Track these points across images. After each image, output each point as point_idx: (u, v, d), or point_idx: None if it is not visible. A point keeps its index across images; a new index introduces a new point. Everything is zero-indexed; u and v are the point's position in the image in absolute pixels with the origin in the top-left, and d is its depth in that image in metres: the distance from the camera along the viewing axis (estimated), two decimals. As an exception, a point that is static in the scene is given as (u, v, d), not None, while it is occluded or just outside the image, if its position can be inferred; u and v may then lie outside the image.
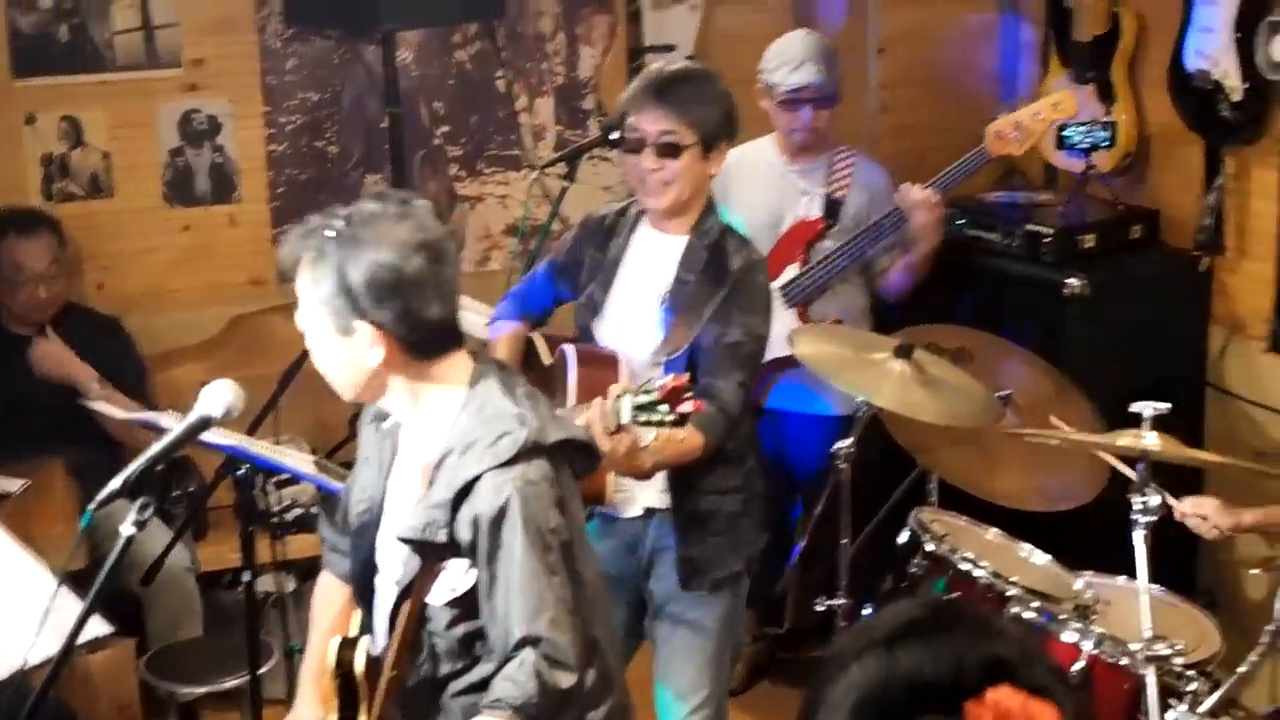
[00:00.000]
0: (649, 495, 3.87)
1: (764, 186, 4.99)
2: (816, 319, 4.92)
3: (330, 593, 3.32)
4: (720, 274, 3.84)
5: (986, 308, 5.06)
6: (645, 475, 3.66)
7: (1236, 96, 4.86)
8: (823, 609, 4.26)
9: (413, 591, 2.90)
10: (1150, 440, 3.46)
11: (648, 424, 3.32)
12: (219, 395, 3.05)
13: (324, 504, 3.43)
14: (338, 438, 5.41)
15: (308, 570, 5.24)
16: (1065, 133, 5.22)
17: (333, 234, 2.84)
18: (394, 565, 3.00)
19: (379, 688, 2.94)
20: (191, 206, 5.52)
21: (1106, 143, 5.24)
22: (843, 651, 1.58)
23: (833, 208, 4.96)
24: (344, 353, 2.90)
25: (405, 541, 2.91)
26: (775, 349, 4.70)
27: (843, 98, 5.02)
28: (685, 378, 3.28)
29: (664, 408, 3.24)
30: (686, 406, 3.20)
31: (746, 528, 3.97)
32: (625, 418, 3.31)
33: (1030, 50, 5.87)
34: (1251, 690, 4.60)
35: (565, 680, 2.82)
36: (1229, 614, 5.00)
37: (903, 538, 3.96)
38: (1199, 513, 3.97)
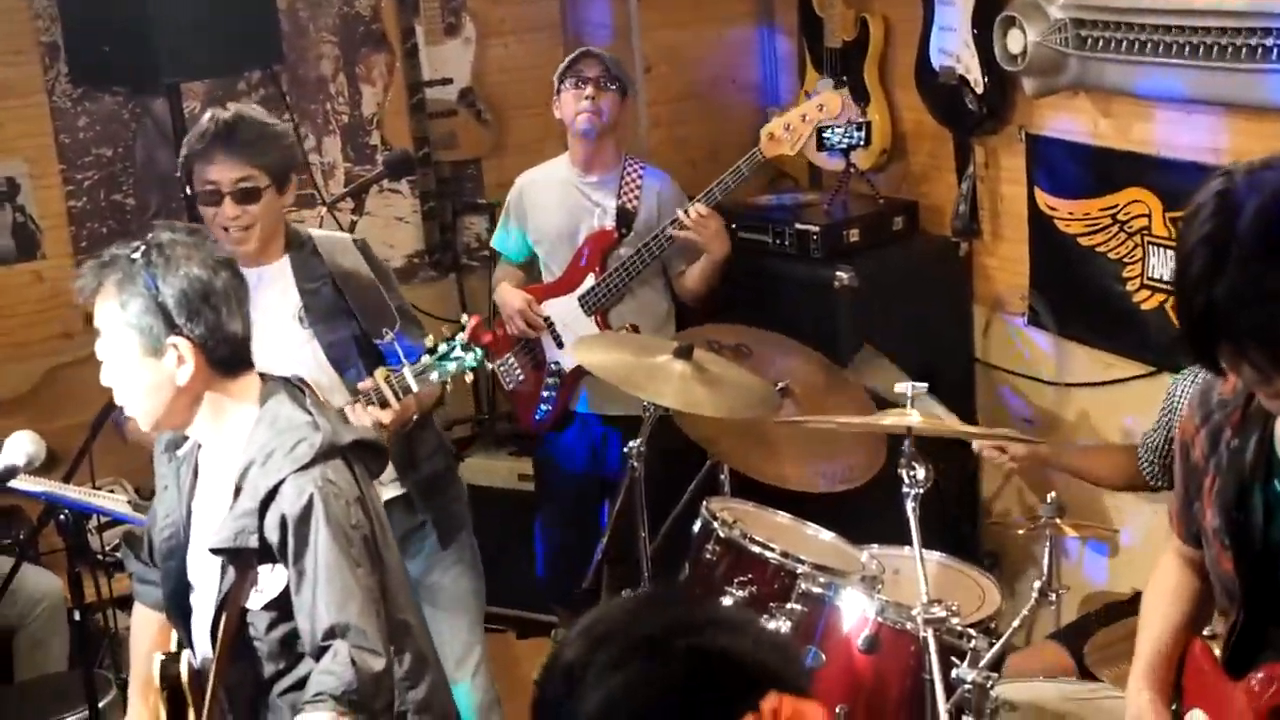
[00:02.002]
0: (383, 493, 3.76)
1: (558, 203, 5.02)
2: (616, 326, 4.95)
3: (145, 621, 3.29)
4: (349, 268, 3.95)
5: (764, 305, 5.08)
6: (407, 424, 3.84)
7: (979, 89, 4.95)
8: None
9: (230, 601, 2.89)
10: (914, 417, 3.50)
11: (450, 374, 3.59)
12: (20, 445, 3.03)
13: (128, 540, 3.37)
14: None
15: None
16: (824, 135, 5.28)
17: (139, 256, 2.84)
18: (209, 580, 2.97)
19: (206, 695, 2.92)
20: (-2, 266, 5.40)
21: (863, 142, 5.31)
22: (581, 668, 1.59)
23: (625, 217, 4.98)
24: (152, 375, 2.88)
25: (218, 552, 2.89)
26: (577, 358, 4.76)
27: (633, 94, 5.12)
28: (479, 318, 3.42)
29: (462, 351, 3.55)
30: (487, 338, 3.30)
31: (459, 482, 4.27)
32: (413, 386, 3.63)
33: (787, 60, 5.94)
34: (1036, 635, 4.72)
35: (376, 664, 2.83)
36: (1010, 574, 5.12)
37: (696, 527, 3.96)
38: (997, 445, 4.02)
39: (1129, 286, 4.57)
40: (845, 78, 5.48)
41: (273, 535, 2.85)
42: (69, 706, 4.46)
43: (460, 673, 4.05)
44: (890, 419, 3.58)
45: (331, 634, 2.83)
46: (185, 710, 3.04)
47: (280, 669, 2.96)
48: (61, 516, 3.59)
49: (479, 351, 3.59)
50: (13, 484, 3.12)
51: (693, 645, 1.57)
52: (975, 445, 4.04)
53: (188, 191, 3.94)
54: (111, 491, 4.53)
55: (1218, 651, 2.46)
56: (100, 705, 3.93)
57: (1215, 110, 4.21)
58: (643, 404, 4.20)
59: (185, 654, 3.07)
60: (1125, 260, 4.58)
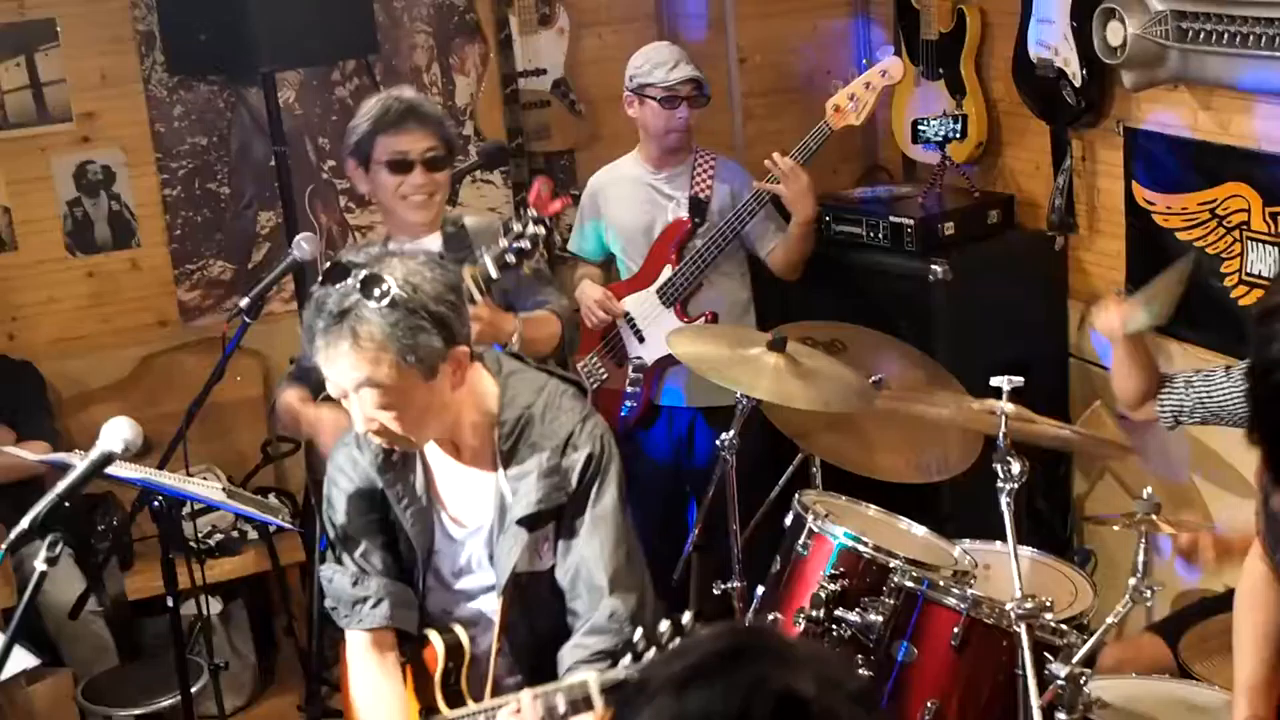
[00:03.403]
0: None
1: (631, 200, 5.10)
2: (694, 316, 5.02)
3: (366, 648, 3.19)
4: (485, 241, 4.02)
5: (858, 300, 5.11)
6: (508, 336, 3.92)
7: (1077, 82, 4.97)
8: (719, 593, 4.35)
9: (523, 565, 3.01)
10: (1007, 409, 3.54)
11: (525, 253, 3.67)
12: (118, 432, 3.07)
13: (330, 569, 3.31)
14: (250, 465, 5.48)
15: (230, 592, 5.31)
16: (920, 127, 5.33)
17: (384, 295, 2.79)
18: (478, 557, 3.10)
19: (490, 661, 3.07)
20: (93, 254, 5.53)
21: (958, 134, 5.34)
22: (645, 683, 1.55)
23: (698, 207, 5.04)
24: (435, 395, 2.90)
25: (526, 520, 2.99)
26: (660, 349, 4.82)
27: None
28: (544, 179, 3.61)
29: (531, 222, 3.61)
30: (554, 206, 3.38)
31: None
32: (493, 273, 3.69)
33: (882, 52, 5.97)
34: (1127, 634, 4.73)
35: (635, 606, 2.99)
36: (1103, 572, 5.13)
37: (788, 520, 4.01)
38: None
39: (1227, 282, 4.59)
40: (941, 70, 5.51)
41: (575, 482, 2.99)
42: (160, 692, 4.63)
43: None
44: (984, 414, 3.61)
45: (606, 579, 2.97)
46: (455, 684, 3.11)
47: (559, 621, 3.05)
48: (156, 503, 3.67)
49: (546, 221, 3.70)
50: (110, 470, 3.19)
51: (759, 678, 1.50)
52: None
53: (361, 169, 4.15)
54: (205, 479, 4.65)
55: None
56: (192, 691, 4.03)
57: (1316, 104, 4.23)
58: (733, 395, 4.26)
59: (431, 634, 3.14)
60: (1223, 255, 4.59)
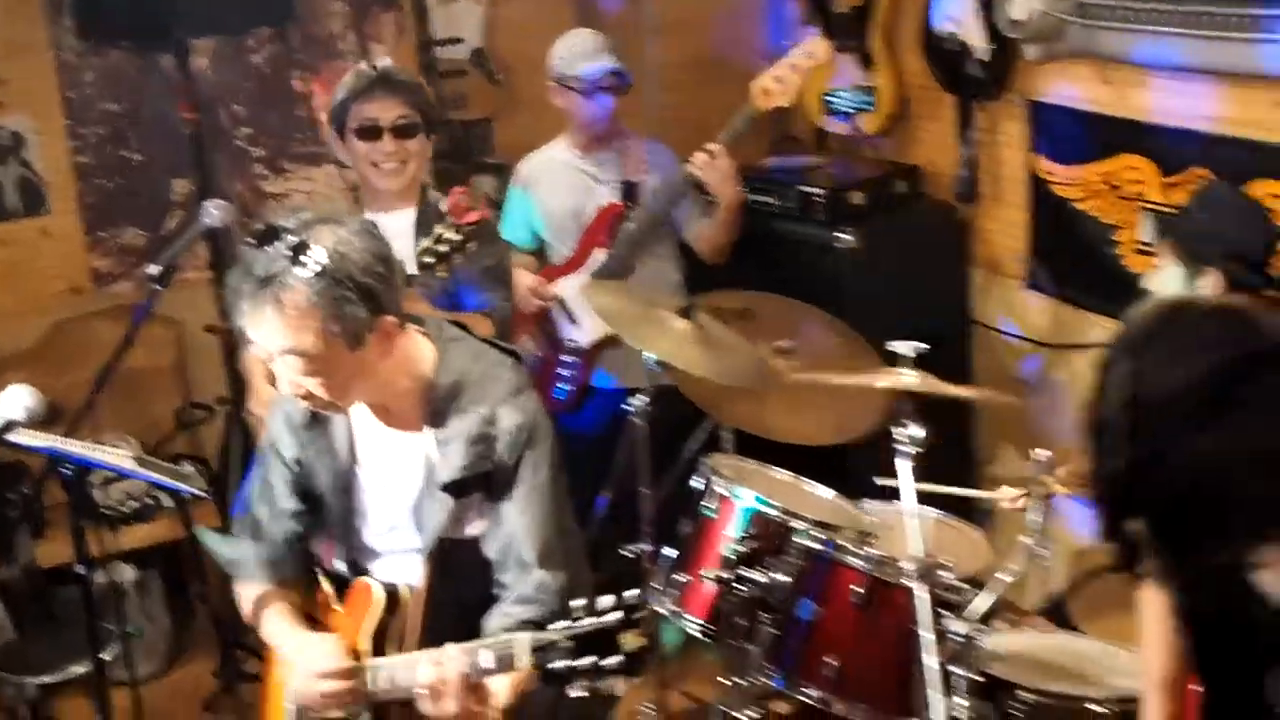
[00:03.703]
0: None
1: (562, 185, 5.12)
2: (629, 300, 5.07)
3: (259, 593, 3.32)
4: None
5: (769, 268, 5.18)
6: None
7: (982, 55, 5.08)
8: (629, 555, 4.43)
9: (447, 532, 3.06)
10: (909, 377, 3.64)
11: (443, 256, 3.73)
12: (18, 399, 3.08)
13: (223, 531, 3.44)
14: (165, 432, 5.49)
15: (145, 559, 5.33)
16: (830, 98, 5.43)
17: (301, 262, 2.81)
18: (403, 521, 3.13)
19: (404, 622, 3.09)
20: (3, 221, 5.48)
21: (869, 106, 5.46)
22: None
23: (630, 191, 5.09)
24: (359, 363, 2.93)
25: (451, 486, 3.03)
26: (595, 332, 4.88)
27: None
28: (462, 190, 3.64)
29: (450, 230, 3.68)
30: (471, 216, 3.45)
31: None
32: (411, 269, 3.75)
33: (794, 24, 6.05)
34: (1026, 594, 4.86)
35: (563, 580, 3.03)
36: (1005, 530, 5.25)
37: (696, 483, 4.09)
38: None
39: (1120, 250, 4.73)
40: (852, 42, 5.59)
41: (504, 454, 3.02)
42: (72, 660, 4.64)
43: None
44: (886, 379, 3.70)
45: (535, 554, 3.01)
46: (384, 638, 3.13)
47: (486, 592, 3.08)
48: (64, 471, 3.68)
49: (464, 230, 3.76)
50: (13, 438, 3.16)
51: None
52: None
53: (340, 139, 4.26)
54: (116, 447, 4.65)
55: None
56: (105, 658, 4.05)
57: (1209, 78, 4.35)
58: (653, 373, 4.34)
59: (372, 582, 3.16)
60: (1119, 225, 4.73)
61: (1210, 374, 1.93)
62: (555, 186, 5.14)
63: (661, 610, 4.11)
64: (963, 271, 5.48)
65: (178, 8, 4.88)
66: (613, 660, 2.59)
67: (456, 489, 3.03)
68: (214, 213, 4.12)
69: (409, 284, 3.78)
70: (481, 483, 3.05)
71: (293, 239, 2.81)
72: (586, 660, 2.59)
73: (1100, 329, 4.89)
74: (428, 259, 3.77)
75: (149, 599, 5.39)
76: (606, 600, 2.65)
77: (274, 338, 2.85)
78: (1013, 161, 5.19)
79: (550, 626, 2.67)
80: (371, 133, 4.17)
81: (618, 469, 4.60)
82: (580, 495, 5.09)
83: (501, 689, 2.85)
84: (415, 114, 4.18)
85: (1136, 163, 4.63)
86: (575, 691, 2.62)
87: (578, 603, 2.67)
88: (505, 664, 2.74)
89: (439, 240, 3.76)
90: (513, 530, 3.04)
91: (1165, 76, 4.49)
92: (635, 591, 2.66)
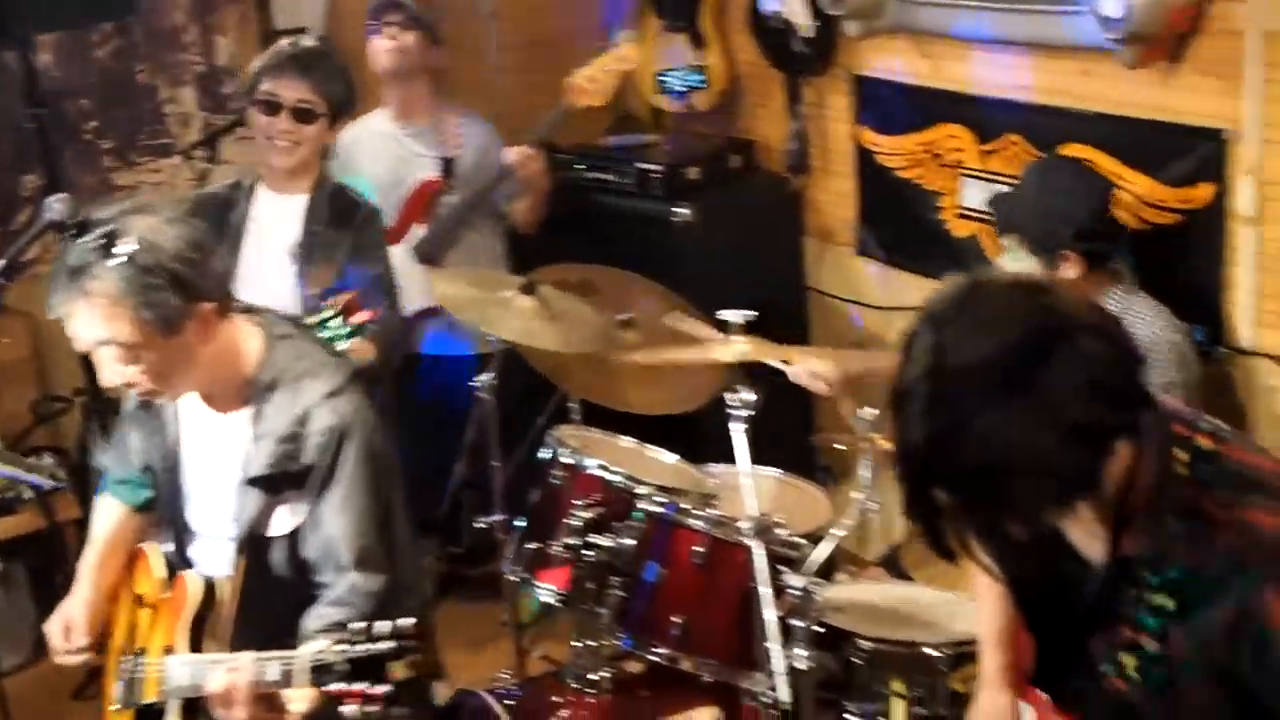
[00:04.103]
0: None
1: (382, 156, 5.06)
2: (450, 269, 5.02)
3: (113, 515, 3.31)
4: (346, 222, 4.03)
5: (610, 243, 5.16)
6: None
7: (807, 33, 5.09)
8: (483, 526, 4.40)
9: (255, 528, 2.99)
10: (739, 345, 3.63)
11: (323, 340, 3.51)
12: None
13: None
14: (22, 426, 5.36)
15: (10, 551, 5.20)
16: (664, 78, 5.42)
17: (114, 252, 2.77)
18: (221, 511, 3.06)
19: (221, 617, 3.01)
20: None
21: (701, 84, 5.46)
22: None
23: (448, 167, 5.03)
24: (180, 348, 2.87)
25: (256, 481, 2.96)
26: (419, 301, 4.83)
27: (443, 42, 5.11)
28: (355, 293, 3.43)
29: (338, 321, 3.41)
30: (360, 316, 3.37)
31: None
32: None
33: (628, 7, 6.03)
34: (870, 546, 4.91)
35: (382, 583, 2.97)
36: (846, 487, 5.29)
37: (545, 454, 4.07)
38: (810, 371, 4.04)
39: (944, 215, 4.76)
40: (683, 23, 5.58)
41: (312, 456, 2.94)
42: None
43: None
44: (719, 347, 3.70)
45: (352, 556, 2.94)
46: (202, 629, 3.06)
47: (296, 592, 3.01)
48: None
49: (348, 329, 3.62)
50: None
51: None
52: (791, 375, 4.10)
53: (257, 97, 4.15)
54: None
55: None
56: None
57: (1020, 49, 4.39)
58: (488, 340, 4.31)
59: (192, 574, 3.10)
60: (942, 191, 4.77)
61: (1008, 347, 1.92)
62: (375, 156, 5.07)
63: (514, 578, 4.09)
64: (797, 241, 5.50)
65: (18, 4, 4.74)
66: (380, 688, 2.57)
67: (264, 485, 2.96)
68: (56, 207, 3.99)
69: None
70: (292, 481, 2.97)
71: (103, 229, 2.75)
72: (358, 685, 2.58)
73: (927, 291, 4.89)
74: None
75: (14, 590, 5.27)
76: (384, 626, 2.63)
77: (88, 329, 2.79)
78: (840, 134, 5.21)
79: (324, 648, 2.64)
80: (271, 108, 4.09)
81: (468, 443, 4.55)
82: (421, 462, 5.14)
83: (299, 698, 2.75)
84: (319, 100, 4.10)
85: (955, 132, 4.67)
86: (349, 712, 2.60)
87: (356, 626, 2.64)
88: (288, 679, 2.68)
89: (322, 325, 3.62)
90: (330, 532, 2.96)
91: (980, 49, 4.53)
92: (410, 621, 2.64)
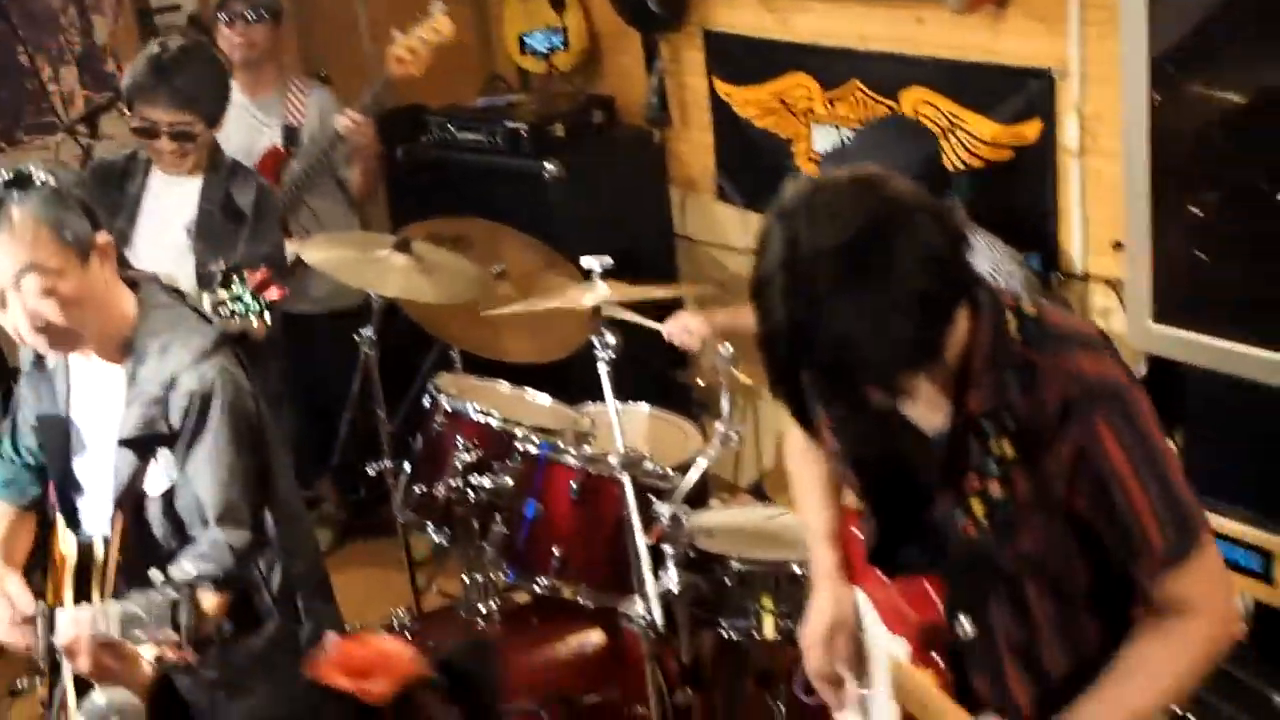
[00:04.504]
0: None
1: (234, 126, 4.94)
2: (297, 234, 4.95)
3: None
4: (241, 202, 3.98)
5: (482, 200, 5.14)
6: None
7: (651, -9, 5.12)
8: (373, 472, 4.44)
9: (131, 488, 2.95)
10: (602, 290, 3.67)
11: (234, 315, 3.43)
12: None
13: None
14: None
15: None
16: (526, 40, 5.43)
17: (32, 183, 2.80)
18: (103, 471, 3.01)
19: (106, 574, 2.96)
20: None
21: (562, 45, 5.47)
22: None
23: (291, 134, 5.03)
24: (91, 282, 2.86)
25: (127, 442, 2.94)
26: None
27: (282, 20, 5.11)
28: (266, 271, 3.41)
29: (249, 297, 3.40)
30: (272, 294, 3.37)
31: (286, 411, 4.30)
32: (207, 314, 3.40)
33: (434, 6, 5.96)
34: (742, 474, 4.99)
35: (246, 539, 2.94)
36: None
37: (426, 402, 4.10)
38: (680, 326, 4.12)
39: (797, 161, 4.83)
40: (543, -15, 5.59)
41: (176, 419, 2.91)
42: None
43: None
44: (582, 294, 3.73)
45: (215, 512, 2.92)
46: (89, 588, 3.01)
47: (174, 548, 2.98)
48: None
49: (260, 304, 3.59)
50: None
51: None
52: (665, 334, 4.15)
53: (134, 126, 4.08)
54: None
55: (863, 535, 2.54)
56: None
57: (859, 2, 4.45)
58: (356, 296, 4.33)
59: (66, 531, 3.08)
60: (793, 138, 4.83)
61: (854, 232, 2.00)
62: (228, 128, 4.97)
63: (404, 520, 4.13)
64: (662, 190, 5.54)
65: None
66: (173, 635, 2.64)
67: (135, 446, 2.96)
68: None
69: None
70: (162, 442, 2.96)
71: (6, 174, 2.80)
72: (162, 633, 2.64)
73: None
74: (221, 310, 3.62)
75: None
76: (184, 570, 2.73)
77: (9, 261, 2.78)
78: (696, 87, 5.25)
79: (128, 599, 2.70)
80: (149, 133, 4.02)
81: (353, 395, 4.57)
82: (322, 420, 5.15)
83: (146, 650, 2.77)
84: (195, 118, 4.03)
85: (803, 81, 4.72)
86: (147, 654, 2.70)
87: (156, 575, 2.71)
88: (121, 629, 2.70)
89: (236, 300, 3.58)
90: (195, 489, 2.96)
91: (821, 1, 4.57)
92: (207, 573, 2.76)
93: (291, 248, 4.37)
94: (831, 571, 2.54)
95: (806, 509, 2.65)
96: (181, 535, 2.99)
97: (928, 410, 2.24)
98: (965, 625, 2.27)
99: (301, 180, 4.96)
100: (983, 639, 2.28)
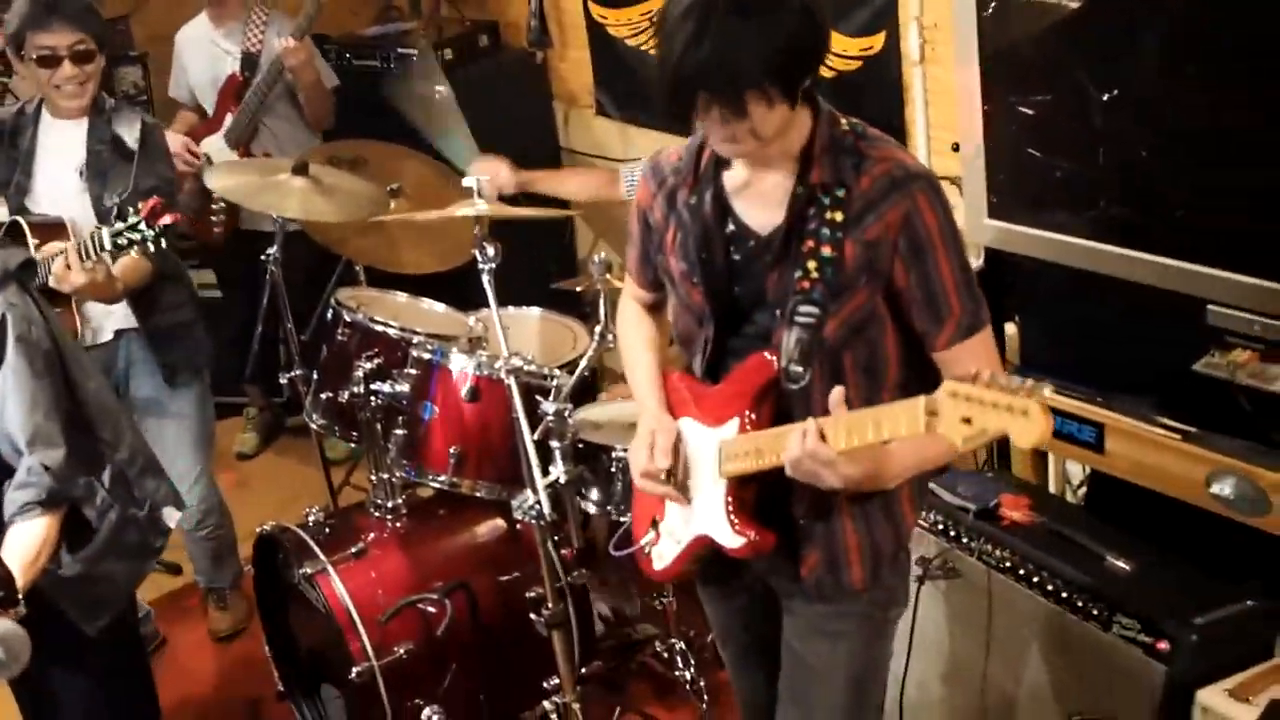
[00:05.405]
0: (115, 320, 3.86)
1: (200, 56, 4.99)
2: (258, 154, 4.89)
3: None
4: (128, 139, 3.83)
5: (380, 122, 4.97)
6: (116, 299, 3.71)
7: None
8: (284, 381, 4.34)
9: None
10: (481, 205, 3.56)
11: (132, 244, 3.35)
12: None
13: None
14: None
15: None
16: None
17: None
18: None
19: None
20: None
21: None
22: None
23: (249, 61, 4.91)
24: None
25: None
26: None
27: None
28: (158, 200, 3.33)
29: (144, 226, 3.29)
30: (166, 219, 3.23)
31: (200, 331, 4.05)
32: (107, 245, 3.35)
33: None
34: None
35: (59, 455, 2.84)
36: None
37: (329, 315, 3.99)
38: (490, 170, 4.08)
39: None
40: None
41: None
42: None
43: (182, 485, 3.91)
44: (464, 208, 3.62)
45: (25, 437, 2.81)
46: None
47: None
48: None
49: (154, 230, 3.42)
50: None
51: None
52: (470, 169, 4.09)
53: (19, 61, 3.89)
54: None
55: (694, 371, 2.58)
56: None
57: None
58: (273, 218, 4.21)
59: None
60: (663, 56, 4.71)
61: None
62: (196, 57, 4.99)
63: (314, 426, 4.03)
64: (546, 107, 5.43)
65: None
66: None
67: None
68: None
69: (99, 254, 3.46)
70: None
71: None
72: None
73: (658, 143, 4.88)
74: (123, 239, 3.44)
75: None
76: (12, 501, 2.71)
77: None
78: (574, 10, 5.12)
79: None
80: (51, 61, 3.80)
81: (262, 311, 4.45)
82: (236, 334, 5.01)
83: None
84: (90, 39, 3.82)
85: (665, 0, 4.59)
86: None
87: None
88: None
89: (133, 229, 3.41)
90: (4, 423, 2.85)
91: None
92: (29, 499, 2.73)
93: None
94: (654, 407, 2.61)
95: (634, 364, 2.72)
96: (7, 471, 2.88)
97: (764, 209, 2.40)
98: (798, 370, 2.36)
99: (255, 104, 4.87)
100: (807, 391, 2.37)
